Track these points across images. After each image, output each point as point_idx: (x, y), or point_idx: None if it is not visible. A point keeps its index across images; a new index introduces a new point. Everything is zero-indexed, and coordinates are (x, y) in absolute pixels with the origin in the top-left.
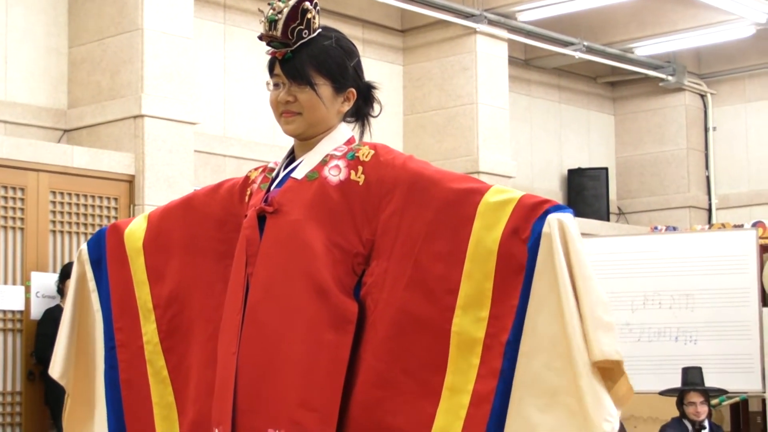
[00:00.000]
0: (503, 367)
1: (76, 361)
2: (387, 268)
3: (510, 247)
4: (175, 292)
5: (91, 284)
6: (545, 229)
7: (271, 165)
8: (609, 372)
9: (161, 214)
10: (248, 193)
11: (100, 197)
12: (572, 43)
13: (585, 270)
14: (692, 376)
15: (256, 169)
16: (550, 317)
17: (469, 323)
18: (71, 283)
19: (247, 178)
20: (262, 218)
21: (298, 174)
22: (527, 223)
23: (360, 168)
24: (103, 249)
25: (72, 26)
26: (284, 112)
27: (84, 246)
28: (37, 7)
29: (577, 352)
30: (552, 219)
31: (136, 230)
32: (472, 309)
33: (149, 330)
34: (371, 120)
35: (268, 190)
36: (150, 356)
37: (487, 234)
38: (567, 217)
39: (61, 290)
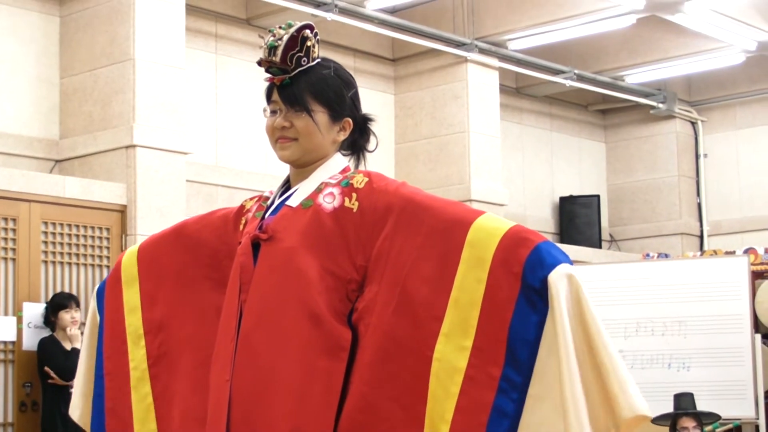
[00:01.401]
0: (502, 405)
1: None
2: (378, 292)
3: (499, 279)
4: (165, 319)
5: (98, 318)
6: (551, 279)
7: (266, 194)
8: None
9: (154, 242)
10: (243, 221)
11: (92, 227)
12: (563, 72)
13: (603, 332)
14: (684, 402)
15: (251, 199)
16: (558, 365)
17: (451, 351)
18: (87, 321)
19: (242, 207)
20: (256, 246)
21: (293, 202)
22: (516, 256)
23: (354, 195)
24: (105, 278)
25: (63, 57)
26: (280, 138)
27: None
28: (29, 38)
29: (572, 411)
30: (561, 273)
31: (131, 257)
32: (456, 337)
33: (137, 356)
34: (372, 150)
35: (263, 217)
36: (136, 383)
37: (475, 263)
38: (573, 276)
39: (51, 321)
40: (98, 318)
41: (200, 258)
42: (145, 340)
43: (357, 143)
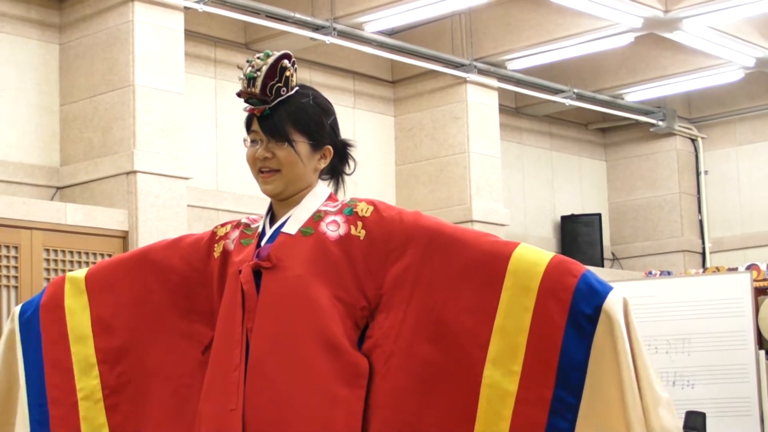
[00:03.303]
0: (557, 424)
1: (4, 421)
2: (403, 320)
3: (547, 306)
4: (127, 347)
5: (17, 338)
6: (608, 305)
7: (244, 220)
8: None
9: (107, 268)
10: (218, 249)
11: (94, 254)
12: (562, 91)
13: (645, 353)
14: (692, 421)
15: (223, 225)
16: (608, 385)
17: (501, 376)
18: (1, 341)
19: (213, 234)
20: (256, 274)
21: (291, 229)
22: (564, 284)
23: (360, 223)
24: (37, 303)
25: (63, 84)
26: (262, 169)
27: (20, 305)
28: (28, 66)
29: (636, 421)
30: (616, 299)
31: (76, 284)
32: (504, 362)
33: (87, 386)
34: (353, 173)
35: (258, 245)
36: (86, 413)
37: (520, 291)
38: (626, 300)
39: None
40: (18, 340)
41: (168, 285)
42: (99, 369)
43: (336, 168)
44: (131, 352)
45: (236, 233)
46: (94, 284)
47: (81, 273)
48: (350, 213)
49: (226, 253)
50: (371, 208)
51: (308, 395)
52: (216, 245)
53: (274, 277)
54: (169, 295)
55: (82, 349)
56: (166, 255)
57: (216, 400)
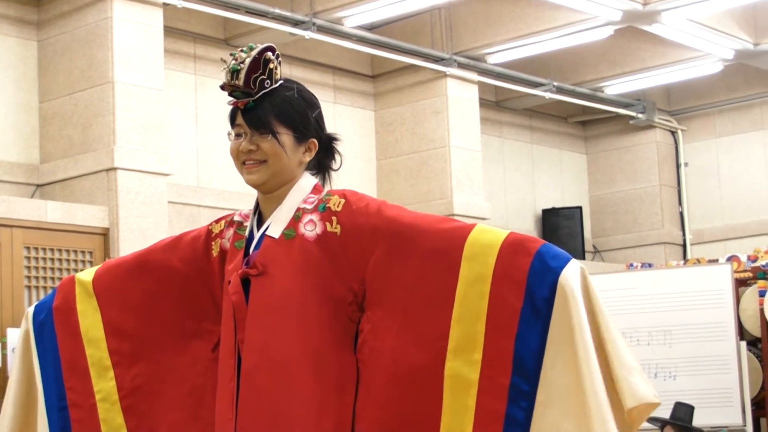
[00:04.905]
0: (514, 414)
1: (27, 421)
2: (381, 316)
3: (502, 290)
4: (139, 350)
5: (32, 341)
6: (563, 281)
7: (236, 218)
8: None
9: (111, 271)
10: (215, 247)
11: (75, 251)
12: (542, 84)
13: (610, 323)
14: (678, 412)
15: (217, 222)
16: (565, 369)
17: (462, 366)
18: (18, 343)
19: (209, 231)
20: (245, 280)
21: (274, 232)
22: (518, 265)
23: (334, 219)
24: (50, 305)
25: (42, 81)
26: (246, 161)
27: (33, 306)
28: (7, 63)
29: (594, 406)
30: (572, 272)
31: (85, 287)
32: (464, 352)
33: (105, 388)
34: (337, 169)
35: (246, 252)
36: (105, 414)
37: (476, 278)
38: (583, 271)
39: None
40: (33, 341)
41: (171, 287)
42: (114, 372)
43: (322, 163)
44: (144, 355)
45: (230, 232)
46: (101, 288)
47: (88, 276)
48: (324, 209)
49: (224, 253)
50: (342, 201)
51: (297, 405)
52: (213, 243)
53: (261, 284)
54: (174, 296)
55: (96, 352)
56: (165, 257)
57: (219, 409)
